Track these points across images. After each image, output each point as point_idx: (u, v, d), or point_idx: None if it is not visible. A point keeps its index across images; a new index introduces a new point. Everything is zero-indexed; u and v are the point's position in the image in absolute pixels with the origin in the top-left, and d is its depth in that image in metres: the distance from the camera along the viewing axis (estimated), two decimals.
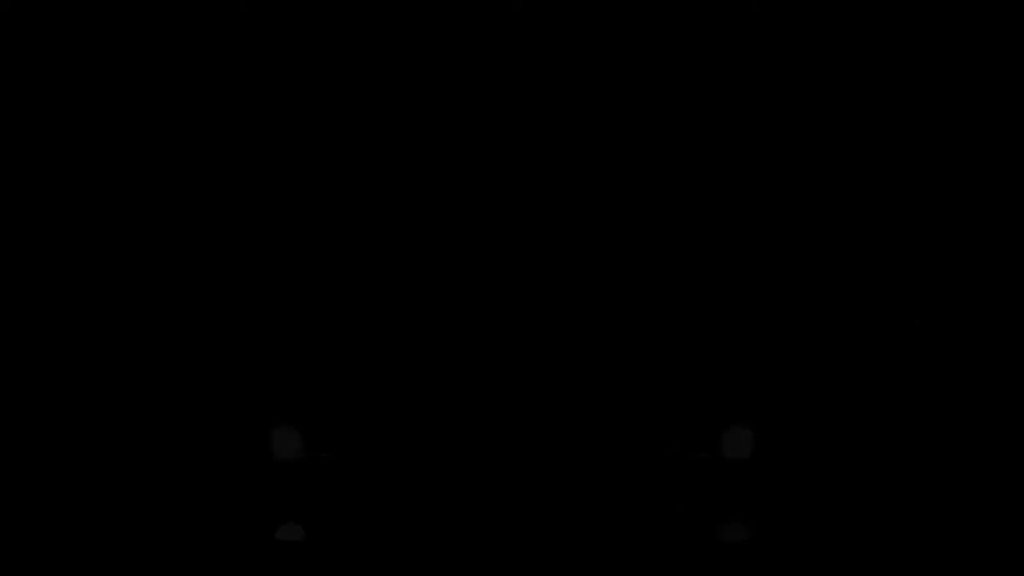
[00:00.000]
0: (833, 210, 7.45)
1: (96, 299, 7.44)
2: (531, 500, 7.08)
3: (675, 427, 7.24)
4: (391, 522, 7.00)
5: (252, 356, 7.45)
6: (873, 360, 7.36)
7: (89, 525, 6.86)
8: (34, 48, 7.39)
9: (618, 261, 7.56)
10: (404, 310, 7.56)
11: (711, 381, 7.38)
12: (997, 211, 7.35)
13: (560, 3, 7.41)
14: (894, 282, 7.43)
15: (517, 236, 7.52)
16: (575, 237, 7.55)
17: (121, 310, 7.45)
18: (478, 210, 7.55)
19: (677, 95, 7.49)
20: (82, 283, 7.43)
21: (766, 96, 7.47)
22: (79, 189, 7.45)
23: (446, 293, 7.55)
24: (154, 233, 7.51)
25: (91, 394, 7.30)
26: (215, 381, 7.36)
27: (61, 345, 7.34)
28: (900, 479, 7.05)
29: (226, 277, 7.53)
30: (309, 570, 6.48)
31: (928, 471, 7.04)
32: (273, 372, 7.42)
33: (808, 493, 7.04)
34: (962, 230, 7.38)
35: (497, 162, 7.55)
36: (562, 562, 6.67)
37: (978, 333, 7.30)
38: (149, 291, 7.48)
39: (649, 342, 7.49)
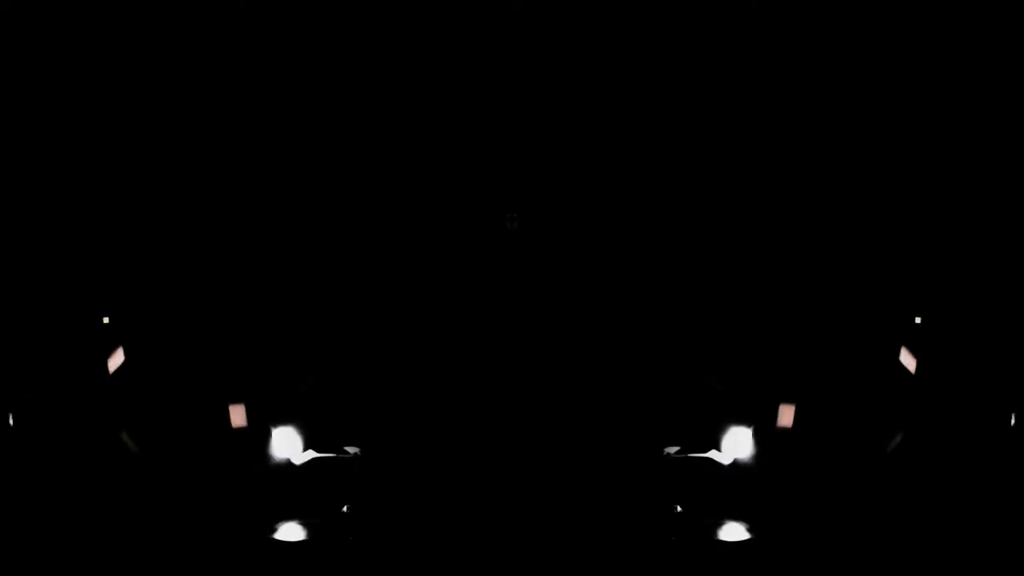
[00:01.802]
0: (833, 210, 7.45)
1: (98, 301, 7.44)
2: (532, 500, 7.09)
3: (675, 427, 7.25)
4: (391, 522, 7.01)
5: (252, 357, 7.45)
6: (873, 360, 7.37)
7: (89, 525, 6.87)
8: (34, 48, 7.39)
9: (619, 264, 7.56)
10: (405, 312, 7.57)
11: (710, 381, 7.39)
12: (997, 211, 7.36)
13: (560, 3, 7.42)
14: (894, 282, 7.43)
15: (519, 238, 7.53)
16: (577, 239, 7.56)
17: (122, 311, 7.45)
18: (478, 211, 7.55)
19: (677, 95, 7.49)
20: (84, 285, 7.43)
21: (767, 96, 7.48)
22: (79, 190, 7.45)
23: (447, 295, 7.56)
24: (156, 235, 7.51)
25: (92, 395, 7.31)
26: (216, 381, 7.37)
27: (61, 346, 7.34)
28: (900, 479, 7.06)
29: (228, 280, 7.53)
30: (309, 570, 6.48)
31: (927, 471, 7.05)
32: (273, 372, 7.43)
33: (808, 493, 7.04)
34: (962, 230, 7.39)
35: (496, 162, 7.55)
36: (563, 561, 6.67)
37: (978, 333, 7.31)
38: (151, 293, 7.48)
39: (650, 343, 7.50)
